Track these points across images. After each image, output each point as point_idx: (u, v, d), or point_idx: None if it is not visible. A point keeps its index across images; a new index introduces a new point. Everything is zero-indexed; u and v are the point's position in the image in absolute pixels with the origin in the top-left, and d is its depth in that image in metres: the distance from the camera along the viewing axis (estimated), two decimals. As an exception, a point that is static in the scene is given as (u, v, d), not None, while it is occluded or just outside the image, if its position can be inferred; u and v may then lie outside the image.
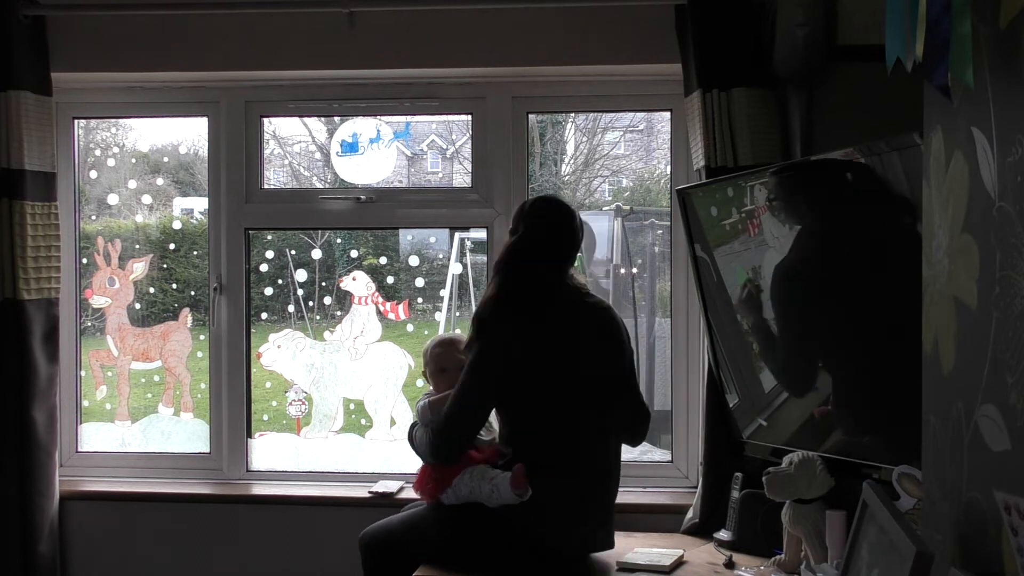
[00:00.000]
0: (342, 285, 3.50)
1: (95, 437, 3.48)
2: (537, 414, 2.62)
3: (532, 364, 2.60)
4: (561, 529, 2.59)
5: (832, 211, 2.51)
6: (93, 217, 3.62)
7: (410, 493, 3.11)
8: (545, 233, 2.67)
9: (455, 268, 3.65)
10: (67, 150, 3.38)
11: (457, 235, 3.73)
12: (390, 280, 3.55)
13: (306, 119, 3.80)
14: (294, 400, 3.48)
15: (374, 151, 3.38)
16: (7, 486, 3.11)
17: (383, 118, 3.39)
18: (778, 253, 2.62)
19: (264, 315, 3.59)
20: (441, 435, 2.62)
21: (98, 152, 3.64)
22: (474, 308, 2.80)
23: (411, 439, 2.75)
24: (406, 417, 3.43)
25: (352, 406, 3.49)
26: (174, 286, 3.64)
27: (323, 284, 3.60)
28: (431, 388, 2.82)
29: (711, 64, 2.87)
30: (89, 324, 3.53)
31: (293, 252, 3.57)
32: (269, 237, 3.55)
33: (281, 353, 3.47)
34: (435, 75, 3.25)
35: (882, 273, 2.31)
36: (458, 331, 3.11)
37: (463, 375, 2.62)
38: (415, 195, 3.51)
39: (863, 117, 2.65)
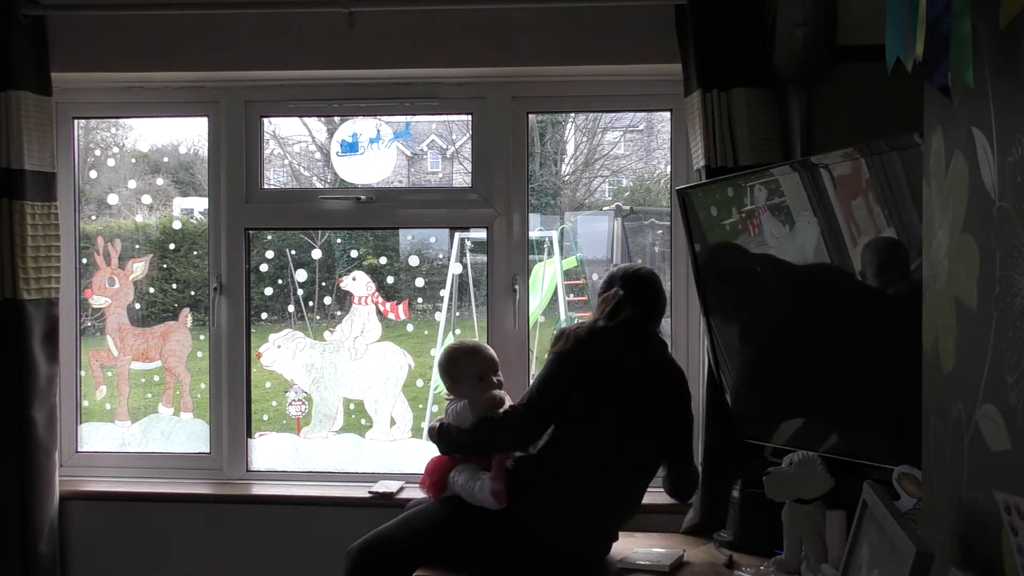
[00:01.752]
0: (342, 285, 3.50)
1: (95, 437, 3.48)
2: (569, 427, 2.64)
3: (591, 384, 2.64)
4: (562, 529, 2.59)
5: (827, 212, 2.51)
6: (93, 217, 3.62)
7: (409, 493, 3.13)
8: (631, 304, 2.70)
9: (455, 268, 3.65)
10: (67, 150, 3.37)
11: (457, 235, 3.74)
12: (390, 280, 3.55)
13: (306, 119, 3.81)
14: (294, 400, 3.48)
15: (374, 151, 3.38)
16: (7, 486, 3.11)
17: (383, 118, 3.39)
18: (778, 253, 2.62)
19: (264, 315, 3.59)
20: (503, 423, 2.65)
21: (98, 152, 3.64)
22: (474, 309, 2.81)
23: (445, 437, 2.73)
24: (406, 417, 3.44)
25: (352, 406, 3.49)
26: (174, 286, 3.64)
27: (323, 284, 3.60)
28: (443, 391, 2.82)
29: (711, 64, 2.87)
30: (89, 324, 3.53)
31: (293, 252, 3.57)
32: (269, 237, 3.55)
33: (281, 353, 3.47)
34: (435, 75, 3.25)
35: (881, 272, 2.31)
36: (477, 339, 3.07)
37: (533, 384, 2.67)
38: (415, 195, 3.51)
39: (863, 117, 2.65)
